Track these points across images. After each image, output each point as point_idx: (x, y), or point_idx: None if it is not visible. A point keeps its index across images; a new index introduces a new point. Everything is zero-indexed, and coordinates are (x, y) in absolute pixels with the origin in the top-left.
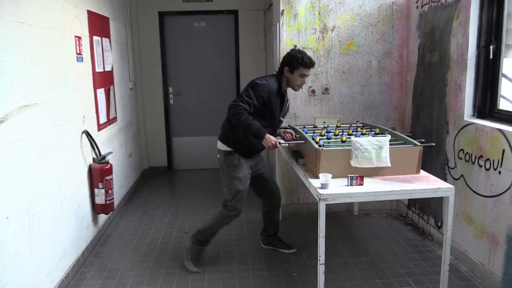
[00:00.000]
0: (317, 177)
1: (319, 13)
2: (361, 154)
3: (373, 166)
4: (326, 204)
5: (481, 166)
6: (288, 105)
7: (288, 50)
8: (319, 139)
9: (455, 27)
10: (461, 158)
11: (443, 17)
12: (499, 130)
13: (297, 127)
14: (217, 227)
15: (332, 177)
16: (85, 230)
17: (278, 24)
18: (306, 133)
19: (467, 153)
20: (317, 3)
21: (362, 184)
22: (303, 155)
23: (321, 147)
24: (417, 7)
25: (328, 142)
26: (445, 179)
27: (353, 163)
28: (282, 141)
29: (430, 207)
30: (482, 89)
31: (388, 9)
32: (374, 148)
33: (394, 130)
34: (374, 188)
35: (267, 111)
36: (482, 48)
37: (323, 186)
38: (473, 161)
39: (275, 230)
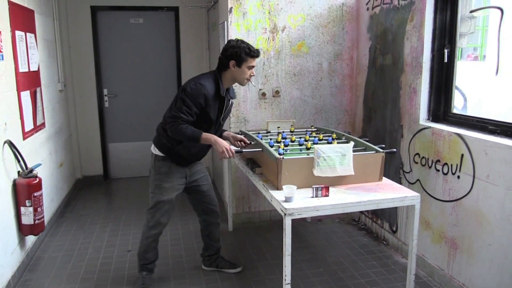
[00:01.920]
0: (278, 188)
1: (269, 12)
2: (324, 162)
3: (336, 175)
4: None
5: (438, 170)
6: (231, 106)
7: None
8: (278, 147)
9: (409, 29)
10: (417, 162)
11: (396, 19)
12: (458, 134)
13: (250, 133)
14: (144, 243)
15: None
16: (10, 256)
17: (225, 22)
18: (261, 139)
19: (423, 157)
20: (267, 1)
21: (327, 195)
22: (260, 164)
23: (281, 156)
24: (368, 8)
25: (286, 150)
26: (400, 183)
27: (316, 172)
28: (235, 148)
29: (383, 211)
30: (436, 92)
31: (338, 10)
32: (337, 155)
33: (350, 134)
34: (341, 199)
35: (202, 117)
36: (436, 52)
37: (288, 199)
38: (429, 165)
39: (216, 249)
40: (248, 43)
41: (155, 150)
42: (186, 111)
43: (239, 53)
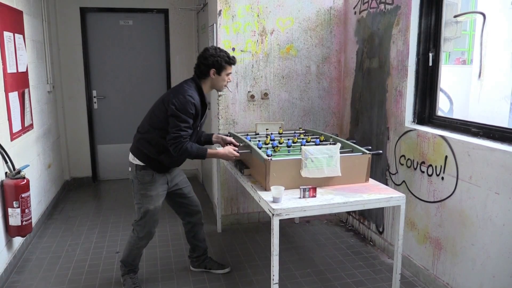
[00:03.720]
0: (266, 189)
1: (258, 15)
2: (311, 164)
3: (324, 176)
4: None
5: (423, 172)
6: (207, 113)
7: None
8: (266, 148)
9: (395, 33)
10: (402, 164)
11: (382, 23)
12: (442, 136)
13: (238, 135)
14: (134, 253)
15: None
16: None
17: (215, 25)
18: (250, 141)
19: (408, 159)
20: (256, 4)
21: (315, 196)
22: (248, 165)
23: (270, 157)
24: (355, 12)
25: (274, 151)
26: (386, 185)
27: (304, 173)
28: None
29: (370, 212)
30: (421, 95)
31: (326, 14)
32: (324, 157)
33: (337, 136)
34: (328, 200)
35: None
36: (421, 55)
37: (275, 200)
38: (415, 167)
39: (203, 250)
40: (225, 51)
41: (134, 160)
42: (184, 127)
43: (220, 62)
